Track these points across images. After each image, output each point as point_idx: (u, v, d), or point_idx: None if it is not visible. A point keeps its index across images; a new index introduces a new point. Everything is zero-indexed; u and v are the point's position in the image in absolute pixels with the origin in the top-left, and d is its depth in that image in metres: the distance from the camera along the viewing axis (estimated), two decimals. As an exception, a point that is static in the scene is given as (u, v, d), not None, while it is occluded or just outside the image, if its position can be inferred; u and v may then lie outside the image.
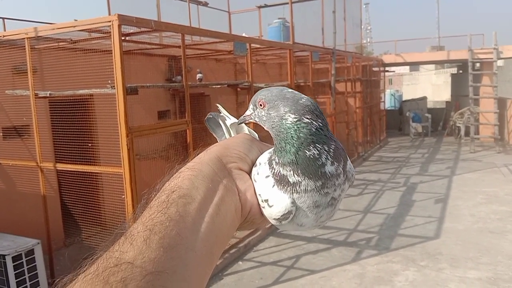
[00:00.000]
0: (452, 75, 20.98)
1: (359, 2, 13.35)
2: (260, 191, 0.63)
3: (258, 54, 8.53)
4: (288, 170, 0.59)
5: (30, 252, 4.16)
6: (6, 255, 3.97)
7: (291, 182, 0.59)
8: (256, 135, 0.80)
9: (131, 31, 5.01)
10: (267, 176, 0.62)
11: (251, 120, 0.69)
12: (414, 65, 27.20)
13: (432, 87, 27.66)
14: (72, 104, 4.90)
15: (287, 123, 0.61)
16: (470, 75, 14.16)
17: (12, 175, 5.44)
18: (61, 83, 5.01)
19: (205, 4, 10.44)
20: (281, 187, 0.60)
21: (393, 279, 4.95)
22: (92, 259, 0.50)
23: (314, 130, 0.60)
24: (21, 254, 4.08)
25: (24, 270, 4.10)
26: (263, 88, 0.73)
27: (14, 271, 4.02)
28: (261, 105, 0.65)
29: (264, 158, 0.66)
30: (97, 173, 4.75)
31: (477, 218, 6.94)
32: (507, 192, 8.31)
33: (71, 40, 5.23)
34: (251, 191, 0.64)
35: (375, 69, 15.56)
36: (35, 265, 4.19)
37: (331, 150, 0.59)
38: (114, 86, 4.00)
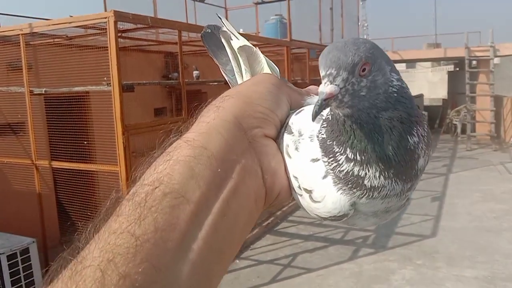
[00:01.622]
0: (449, 72, 20.99)
1: (357, -1, 13.32)
2: (297, 174, 0.46)
3: (255, 51, 8.48)
4: (369, 169, 0.41)
5: (25, 250, 4.12)
6: (1, 254, 3.93)
7: (368, 186, 0.42)
8: (278, 70, 0.58)
9: (127, 27, 4.97)
10: (315, 160, 0.45)
11: (333, 105, 0.41)
12: (411, 62, 27.23)
13: (428, 84, 27.68)
14: (67, 101, 4.85)
15: (393, 92, 0.41)
16: (466, 73, 14.16)
17: (7, 173, 5.40)
18: (56, 80, 4.96)
19: (202, 1, 10.39)
20: (345, 187, 0.43)
21: (390, 277, 4.95)
22: None
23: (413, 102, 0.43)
24: (16, 252, 4.04)
25: (19, 268, 4.06)
26: None
27: (9, 270, 3.98)
28: (364, 69, 0.40)
29: (307, 125, 0.46)
30: (93, 171, 4.71)
31: (473, 217, 6.95)
32: (503, 190, 8.33)
33: (67, 36, 5.18)
34: (282, 171, 0.47)
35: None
36: (30, 264, 4.15)
37: (425, 132, 0.43)
38: (110, 83, 3.96)
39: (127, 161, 3.87)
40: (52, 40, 5.15)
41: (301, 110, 0.50)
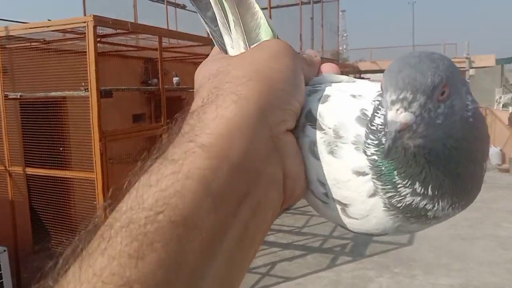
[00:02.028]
0: (426, 83, 21.38)
1: (336, 9, 13.50)
2: (327, 181, 0.39)
3: (235, 59, 8.49)
4: (440, 203, 0.37)
5: (-4, 259, 4.00)
6: (-30, 262, 3.81)
7: (430, 217, 0.38)
8: (276, 31, 0.47)
9: (107, 32, 4.91)
10: (361, 174, 0.37)
11: (405, 136, 0.33)
12: (389, 73, 27.65)
13: (406, 94, 28.13)
14: (44, 106, 4.76)
15: (469, 117, 0.36)
16: (443, 84, 14.46)
17: (-21, 179, 5.25)
18: (33, 85, 4.86)
19: (183, 7, 10.37)
20: (401, 216, 0.38)
21: (367, 286, 4.97)
22: None
23: None
24: (-14, 261, 3.92)
25: (-11, 278, 3.94)
26: None
27: (-21, 279, 3.86)
28: (443, 93, 0.33)
29: (348, 126, 0.38)
30: (68, 178, 4.62)
31: (449, 225, 7.05)
32: (477, 199, 8.24)
33: (44, 40, 5.09)
34: (303, 174, 0.39)
35: (350, 76, 15.75)
36: (1, 273, 4.03)
37: None
38: (87, 89, 3.90)
39: (103, 168, 3.81)
40: (29, 44, 5.05)
41: (328, 96, 0.41)
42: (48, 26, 4.21)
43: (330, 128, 0.39)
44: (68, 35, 4.98)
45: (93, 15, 3.83)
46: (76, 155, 4.83)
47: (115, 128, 4.69)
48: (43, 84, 4.85)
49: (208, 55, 0.50)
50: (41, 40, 5.07)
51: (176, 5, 10.11)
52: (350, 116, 0.39)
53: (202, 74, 0.42)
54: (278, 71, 0.39)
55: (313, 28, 10.06)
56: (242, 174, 0.32)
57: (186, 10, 10.39)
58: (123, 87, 5.06)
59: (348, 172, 0.38)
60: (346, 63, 17.33)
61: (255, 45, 0.44)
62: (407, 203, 0.37)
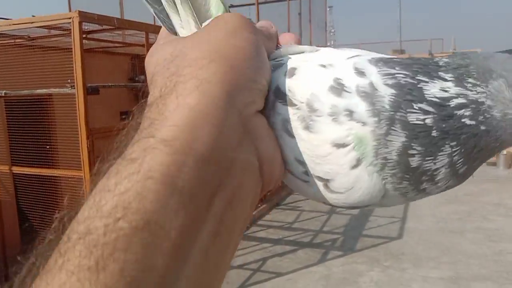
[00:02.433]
0: (413, 78, 21.58)
1: (324, 5, 13.51)
2: (304, 158, 0.37)
3: (224, 55, 8.47)
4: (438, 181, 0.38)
5: (-17, 260, 3.94)
6: (-44, 264, 3.75)
7: (420, 190, 0.39)
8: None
9: (93, 28, 4.85)
10: (342, 146, 0.36)
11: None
12: (377, 68, 27.84)
13: (393, 89, 28.37)
14: (29, 104, 4.69)
15: None
16: (430, 78, 14.59)
17: (-36, 178, 5.16)
18: (17, 82, 4.79)
19: (170, 3, 10.29)
20: (397, 185, 0.38)
21: (358, 280, 5.00)
22: None
23: None
24: (-28, 262, 3.86)
25: (-24, 279, 3.88)
26: None
27: (-35, 281, 3.80)
28: None
29: (322, 97, 0.37)
30: (56, 176, 4.56)
31: (438, 218, 7.13)
32: (465, 193, 8.59)
33: (29, 37, 5.00)
34: (279, 155, 0.37)
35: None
36: (-12, 274, 3.97)
37: None
38: (73, 86, 3.84)
39: (91, 166, 3.76)
40: (13, 41, 4.97)
41: (294, 69, 0.39)
42: (32, 22, 4.13)
43: (302, 103, 0.37)
44: (54, 32, 4.91)
45: (78, 11, 3.77)
46: (63, 153, 4.77)
47: (103, 125, 4.64)
48: (28, 82, 4.78)
49: None
50: (26, 36, 4.99)
51: (163, 1, 10.04)
52: (322, 87, 0.37)
53: (155, 61, 0.37)
54: (239, 48, 0.35)
55: (301, 24, 10.05)
56: (212, 165, 0.29)
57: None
58: (110, 84, 5.00)
59: (327, 145, 0.36)
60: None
61: (207, 22, 0.40)
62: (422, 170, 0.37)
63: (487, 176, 10.03)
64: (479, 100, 0.36)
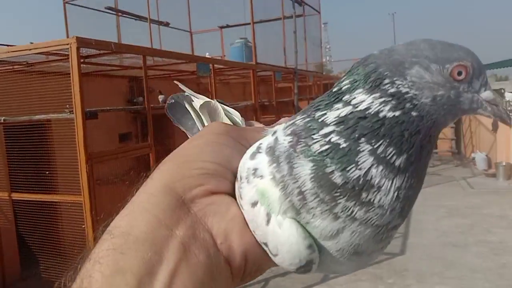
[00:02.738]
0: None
1: (319, 22, 13.65)
2: (251, 226, 0.38)
3: (221, 74, 8.52)
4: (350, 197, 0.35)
5: (-17, 289, 3.89)
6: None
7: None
8: (240, 119, 0.53)
9: (91, 53, 4.88)
10: (254, 204, 0.37)
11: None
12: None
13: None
14: (28, 129, 4.69)
15: None
16: (426, 92, 14.66)
17: (-37, 206, 5.13)
18: (16, 108, 4.79)
19: (166, 24, 10.38)
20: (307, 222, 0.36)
21: (362, 298, 4.95)
22: None
23: None
24: (-28, 291, 3.81)
25: (-25, 308, 3.83)
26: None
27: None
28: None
29: (244, 164, 0.40)
30: (55, 202, 4.54)
31: (440, 232, 7.08)
32: (467, 205, 8.56)
33: (27, 63, 5.03)
34: (239, 229, 0.38)
35: (336, 87, 15.86)
36: (-12, 303, 3.92)
37: None
38: (72, 111, 3.85)
39: (91, 190, 3.75)
40: (11, 67, 4.99)
41: (248, 151, 0.42)
42: (30, 49, 4.17)
43: (238, 175, 0.40)
44: (52, 57, 4.94)
45: (76, 37, 3.80)
46: (62, 178, 4.75)
47: (102, 148, 4.64)
48: (27, 107, 4.79)
49: (192, 71, 0.56)
50: (24, 62, 5.02)
51: (160, 23, 10.11)
52: (247, 155, 0.40)
53: None
54: (194, 147, 0.41)
55: (296, 42, 10.12)
56: (149, 244, 0.33)
57: (170, 27, 10.41)
58: (108, 108, 5.02)
59: (248, 207, 0.38)
60: (331, 75, 17.49)
61: None
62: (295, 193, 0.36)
63: (488, 188, 10.02)
64: (402, 91, 0.36)
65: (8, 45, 7.81)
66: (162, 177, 0.38)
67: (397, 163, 0.35)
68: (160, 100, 6.99)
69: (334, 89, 0.38)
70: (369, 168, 0.35)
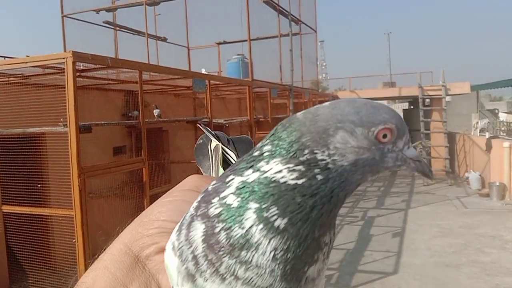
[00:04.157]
0: (404, 110, 21.84)
1: (315, 40, 13.79)
2: None
3: (217, 90, 8.56)
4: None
5: (-31, 303, 3.83)
6: None
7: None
8: (234, 160, 0.55)
9: (87, 67, 4.90)
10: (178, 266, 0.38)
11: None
12: (368, 100, 28.17)
13: (385, 121, 28.59)
14: (22, 142, 4.67)
15: None
16: (420, 111, 14.76)
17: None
18: (11, 120, 4.79)
19: (164, 39, 10.45)
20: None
21: (354, 317, 4.91)
22: None
23: None
24: (-42, 305, 3.75)
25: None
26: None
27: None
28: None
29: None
30: (46, 215, 4.50)
31: (433, 252, 7.07)
32: (460, 225, 8.56)
33: (23, 75, 5.04)
34: None
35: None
36: (-26, 317, 3.86)
37: None
38: (66, 125, 3.85)
39: (82, 205, 3.73)
40: (7, 79, 5.00)
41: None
42: (26, 62, 4.18)
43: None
44: (48, 70, 4.95)
45: (72, 51, 3.81)
46: (54, 192, 4.72)
47: (95, 162, 4.62)
48: (22, 120, 4.79)
49: (188, 87, 0.57)
50: (20, 75, 5.03)
51: (157, 38, 10.18)
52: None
53: None
54: (159, 205, 0.45)
55: (292, 59, 10.21)
56: None
57: (167, 42, 10.48)
58: (102, 122, 5.01)
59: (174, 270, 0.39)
60: (326, 93, 17.60)
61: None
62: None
63: (481, 207, 10.04)
64: (317, 158, 0.36)
65: (5, 57, 7.85)
66: (124, 237, 0.42)
67: (277, 223, 0.35)
68: (155, 114, 7.01)
69: (255, 153, 0.39)
70: (250, 227, 0.35)
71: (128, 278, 0.39)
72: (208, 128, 0.59)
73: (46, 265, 4.57)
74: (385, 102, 28.02)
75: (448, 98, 15.22)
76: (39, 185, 4.62)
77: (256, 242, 0.35)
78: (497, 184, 10.64)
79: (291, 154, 0.37)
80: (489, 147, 11.63)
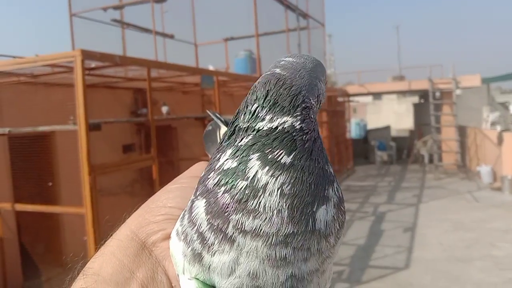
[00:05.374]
0: (414, 104, 21.67)
1: (323, 35, 13.71)
2: None
3: (225, 86, 8.56)
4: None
5: (-16, 300, 3.88)
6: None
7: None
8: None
9: (96, 65, 4.92)
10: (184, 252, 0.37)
11: None
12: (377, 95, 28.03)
13: (394, 115, 28.45)
14: (32, 141, 4.71)
15: None
16: (431, 105, 14.64)
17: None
18: (21, 119, 4.82)
19: (171, 37, 10.45)
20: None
21: (365, 313, 4.89)
22: None
23: None
24: (-27, 303, 3.80)
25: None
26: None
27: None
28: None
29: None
30: (58, 213, 4.54)
31: (445, 247, 7.02)
32: (472, 219, 8.49)
33: (32, 74, 5.07)
34: None
35: (340, 99, 15.88)
36: (-11, 314, 3.91)
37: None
38: (76, 123, 3.87)
39: (93, 202, 3.75)
40: (17, 79, 5.03)
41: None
42: (36, 62, 4.20)
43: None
44: (57, 69, 4.97)
45: (81, 50, 3.83)
46: (65, 190, 4.76)
47: (106, 159, 4.65)
48: (31, 119, 4.82)
49: (196, 83, 0.58)
50: (29, 74, 5.06)
51: (165, 35, 10.19)
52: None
53: None
54: (168, 191, 0.45)
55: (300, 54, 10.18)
56: (113, 285, 0.38)
57: (175, 39, 10.49)
58: (112, 120, 5.04)
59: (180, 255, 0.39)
60: (335, 87, 17.52)
61: None
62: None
63: (493, 201, 9.94)
64: (312, 103, 0.39)
65: (14, 57, 7.90)
66: (131, 223, 0.43)
67: (283, 160, 0.34)
68: (164, 111, 7.02)
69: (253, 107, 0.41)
70: (255, 174, 0.34)
71: (134, 264, 0.40)
72: (218, 114, 0.59)
73: (58, 262, 4.62)
74: (394, 96, 27.84)
75: (458, 92, 15.06)
76: (50, 183, 4.66)
77: (262, 185, 0.33)
78: (509, 177, 10.52)
79: (291, 106, 0.37)
80: (500, 140, 11.50)
